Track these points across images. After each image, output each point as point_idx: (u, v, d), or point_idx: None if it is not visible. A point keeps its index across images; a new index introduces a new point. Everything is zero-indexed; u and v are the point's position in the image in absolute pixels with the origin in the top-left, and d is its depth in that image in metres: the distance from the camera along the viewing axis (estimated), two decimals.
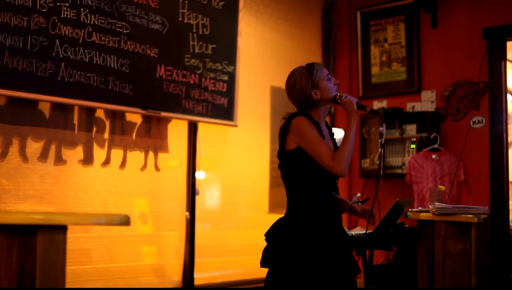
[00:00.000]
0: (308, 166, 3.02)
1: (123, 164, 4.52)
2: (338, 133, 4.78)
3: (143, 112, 4.48)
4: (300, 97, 3.11)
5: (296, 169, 3.04)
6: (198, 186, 5.02)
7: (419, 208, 4.57)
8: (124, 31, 4.35)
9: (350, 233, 4.04)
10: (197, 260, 4.97)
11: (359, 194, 5.66)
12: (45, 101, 3.99)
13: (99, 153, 4.37)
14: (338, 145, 3.14)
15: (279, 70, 5.84)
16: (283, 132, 3.08)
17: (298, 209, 3.05)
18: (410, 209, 4.44)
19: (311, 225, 2.99)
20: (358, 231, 4.56)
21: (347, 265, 3.04)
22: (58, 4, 3.95)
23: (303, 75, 3.11)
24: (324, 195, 3.04)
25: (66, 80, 3.99)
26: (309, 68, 3.13)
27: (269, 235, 3.07)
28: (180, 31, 4.76)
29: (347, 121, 3.09)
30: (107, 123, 4.42)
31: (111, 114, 4.43)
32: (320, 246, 2.96)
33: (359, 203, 3.27)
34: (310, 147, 2.99)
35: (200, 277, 5.02)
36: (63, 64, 3.97)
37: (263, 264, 3.04)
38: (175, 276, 4.88)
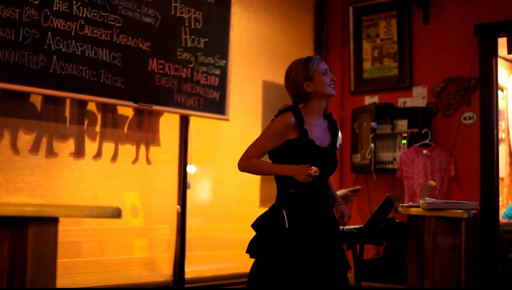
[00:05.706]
0: (289, 160, 3.08)
1: (114, 157, 4.52)
2: None
3: (135, 105, 4.47)
4: (293, 87, 3.16)
5: (279, 162, 3.13)
6: (190, 179, 5.02)
7: (410, 203, 4.58)
8: (117, 24, 4.34)
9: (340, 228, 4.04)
10: (188, 253, 4.97)
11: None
12: (37, 94, 3.98)
13: (90, 146, 4.37)
14: (339, 141, 3.23)
15: (271, 65, 5.84)
16: None
17: (278, 201, 3.14)
18: (400, 204, 4.46)
19: (285, 216, 3.05)
20: (348, 226, 4.57)
21: (327, 259, 3.05)
22: None
23: (300, 66, 3.15)
24: (303, 189, 3.07)
25: (58, 72, 3.98)
26: (307, 60, 3.16)
27: (253, 225, 3.16)
28: (172, 24, 4.75)
29: (282, 167, 3.09)
30: (99, 116, 4.42)
31: (103, 107, 4.43)
32: (290, 238, 3.01)
33: (350, 193, 3.30)
34: (258, 137, 3.16)
35: (190, 270, 5.02)
36: (55, 56, 3.97)
37: (247, 251, 3.14)
38: (166, 269, 4.88)
